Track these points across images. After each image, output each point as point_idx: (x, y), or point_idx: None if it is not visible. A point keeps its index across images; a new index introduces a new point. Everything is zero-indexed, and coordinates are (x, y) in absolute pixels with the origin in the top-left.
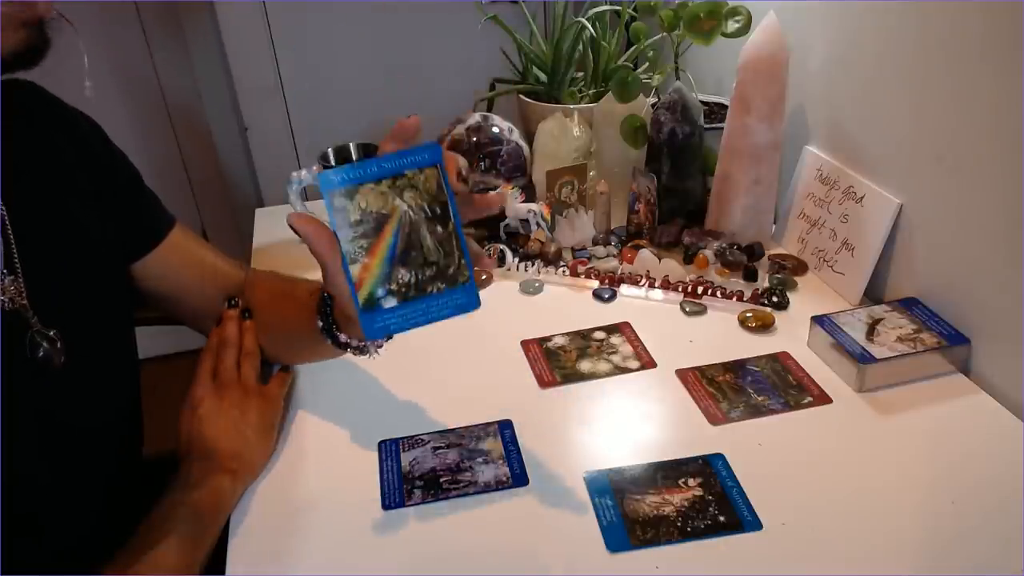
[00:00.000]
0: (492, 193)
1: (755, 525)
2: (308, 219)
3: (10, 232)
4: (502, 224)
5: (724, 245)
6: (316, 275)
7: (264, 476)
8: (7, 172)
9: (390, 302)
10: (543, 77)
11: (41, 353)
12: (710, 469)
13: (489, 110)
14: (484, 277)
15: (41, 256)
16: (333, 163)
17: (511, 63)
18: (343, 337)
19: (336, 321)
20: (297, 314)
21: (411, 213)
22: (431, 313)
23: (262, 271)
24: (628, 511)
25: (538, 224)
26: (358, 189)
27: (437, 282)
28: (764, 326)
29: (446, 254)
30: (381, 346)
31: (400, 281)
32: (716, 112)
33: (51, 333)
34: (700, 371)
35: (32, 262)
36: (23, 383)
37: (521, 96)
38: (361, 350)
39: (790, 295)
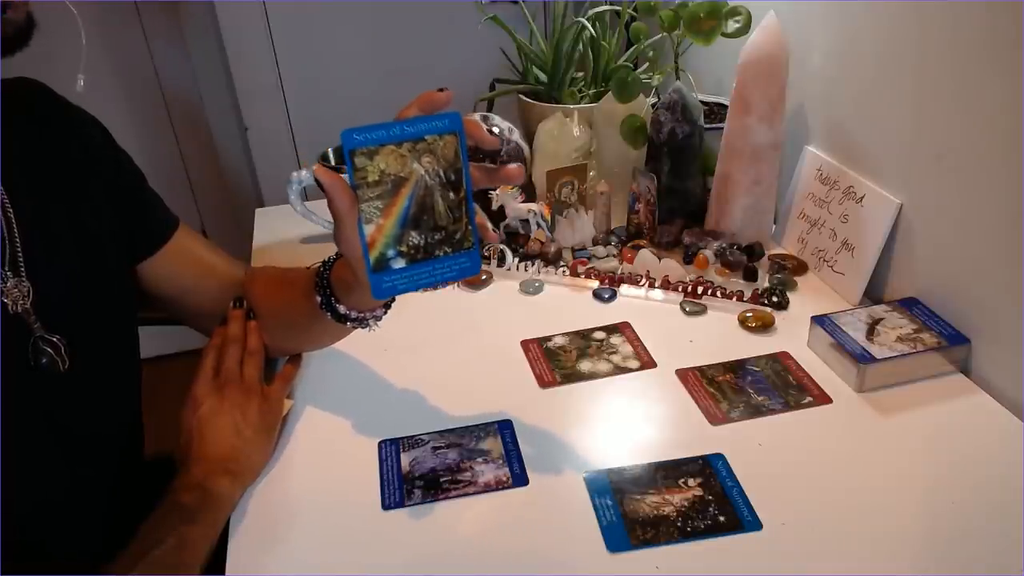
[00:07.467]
0: (513, 165)
1: (755, 525)
2: (332, 173)
3: (16, 234)
4: (502, 224)
5: (724, 245)
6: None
7: (264, 476)
8: (13, 173)
9: (399, 263)
10: (543, 77)
11: (44, 360)
12: (710, 469)
13: (489, 110)
14: (484, 278)
15: (46, 259)
16: (333, 163)
17: (511, 63)
18: (342, 308)
19: (335, 294)
20: (295, 296)
21: (427, 178)
22: (436, 275)
23: (260, 267)
24: (628, 511)
25: (538, 224)
26: (379, 150)
27: (444, 246)
28: (764, 326)
29: (455, 220)
30: (380, 319)
31: (410, 243)
32: (716, 112)
33: (54, 339)
34: (700, 371)
35: (37, 265)
36: (25, 389)
37: (521, 96)
38: (361, 322)
39: (790, 295)
